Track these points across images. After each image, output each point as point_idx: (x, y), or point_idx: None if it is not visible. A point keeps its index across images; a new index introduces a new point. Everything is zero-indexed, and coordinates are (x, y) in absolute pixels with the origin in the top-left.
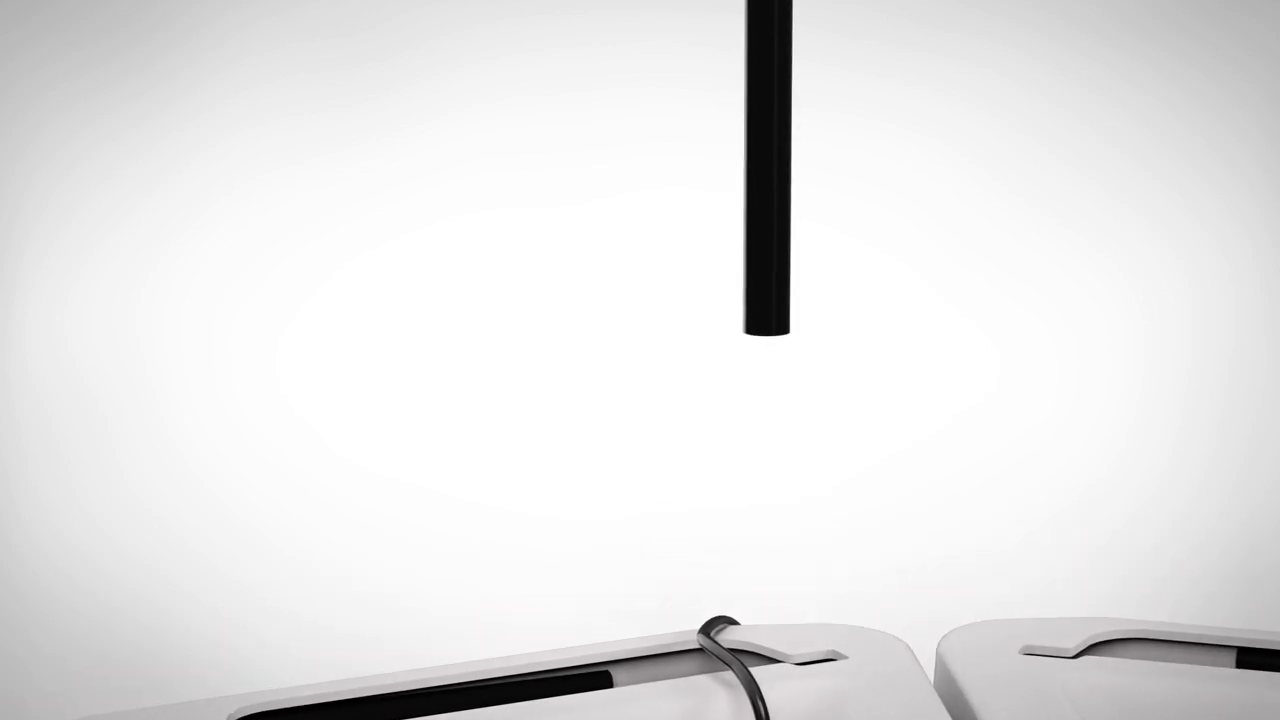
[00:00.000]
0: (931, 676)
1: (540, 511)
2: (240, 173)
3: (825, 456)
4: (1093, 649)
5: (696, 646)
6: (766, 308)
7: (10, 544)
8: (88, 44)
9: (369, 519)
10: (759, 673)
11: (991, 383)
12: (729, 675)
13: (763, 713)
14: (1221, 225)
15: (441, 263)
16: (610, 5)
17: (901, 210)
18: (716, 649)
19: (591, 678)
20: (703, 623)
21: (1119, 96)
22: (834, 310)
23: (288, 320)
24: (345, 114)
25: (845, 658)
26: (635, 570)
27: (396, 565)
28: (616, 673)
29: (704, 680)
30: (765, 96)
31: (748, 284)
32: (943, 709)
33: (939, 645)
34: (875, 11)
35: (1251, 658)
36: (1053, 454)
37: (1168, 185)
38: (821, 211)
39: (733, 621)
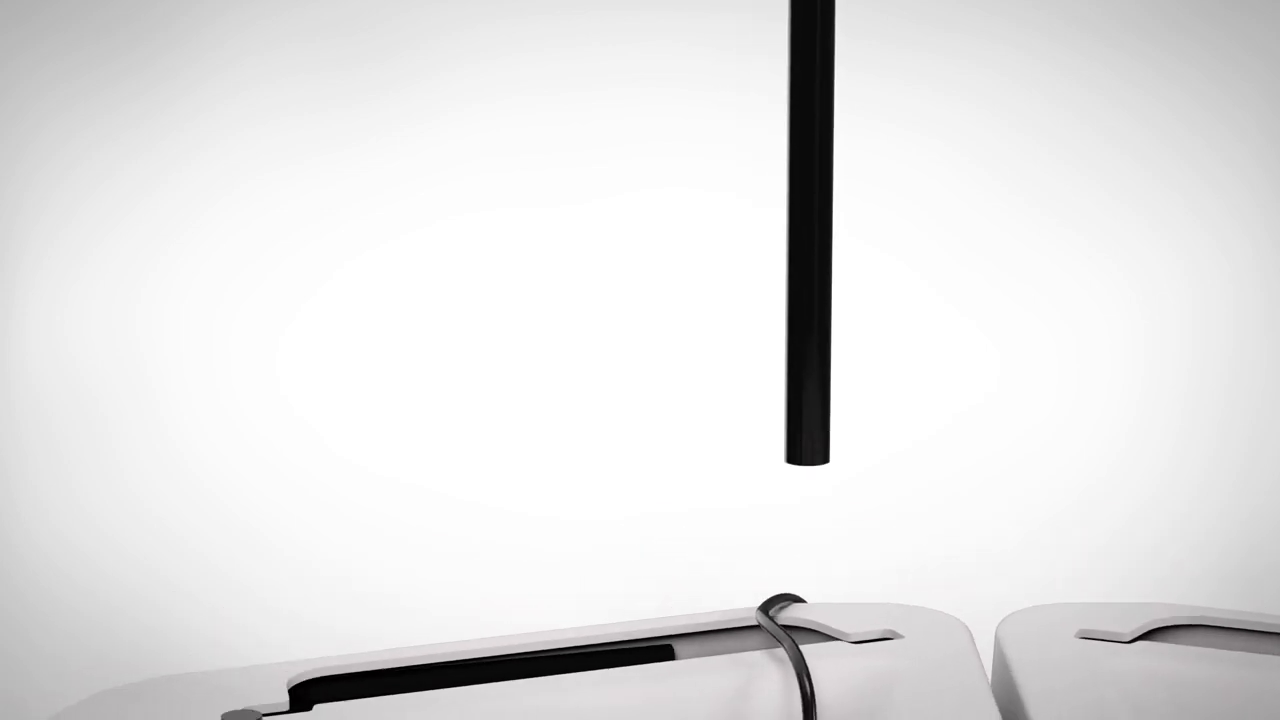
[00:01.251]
0: (989, 659)
1: (540, 511)
2: (240, 173)
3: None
4: (1150, 635)
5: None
6: (811, 440)
7: (10, 544)
8: (88, 44)
9: (369, 519)
10: (814, 650)
11: (991, 383)
12: (783, 652)
13: (808, 690)
14: (1221, 225)
15: (441, 263)
16: (610, 5)
17: (901, 210)
18: (771, 625)
19: (654, 650)
20: (763, 600)
21: (1119, 96)
22: (834, 310)
23: (288, 320)
24: (345, 114)
25: (901, 637)
26: (635, 570)
27: (396, 565)
28: (679, 646)
29: (758, 656)
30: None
31: (789, 416)
32: (989, 693)
33: (997, 628)
34: (875, 11)
35: None
36: (1053, 454)
37: (1168, 185)
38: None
39: (798, 599)
